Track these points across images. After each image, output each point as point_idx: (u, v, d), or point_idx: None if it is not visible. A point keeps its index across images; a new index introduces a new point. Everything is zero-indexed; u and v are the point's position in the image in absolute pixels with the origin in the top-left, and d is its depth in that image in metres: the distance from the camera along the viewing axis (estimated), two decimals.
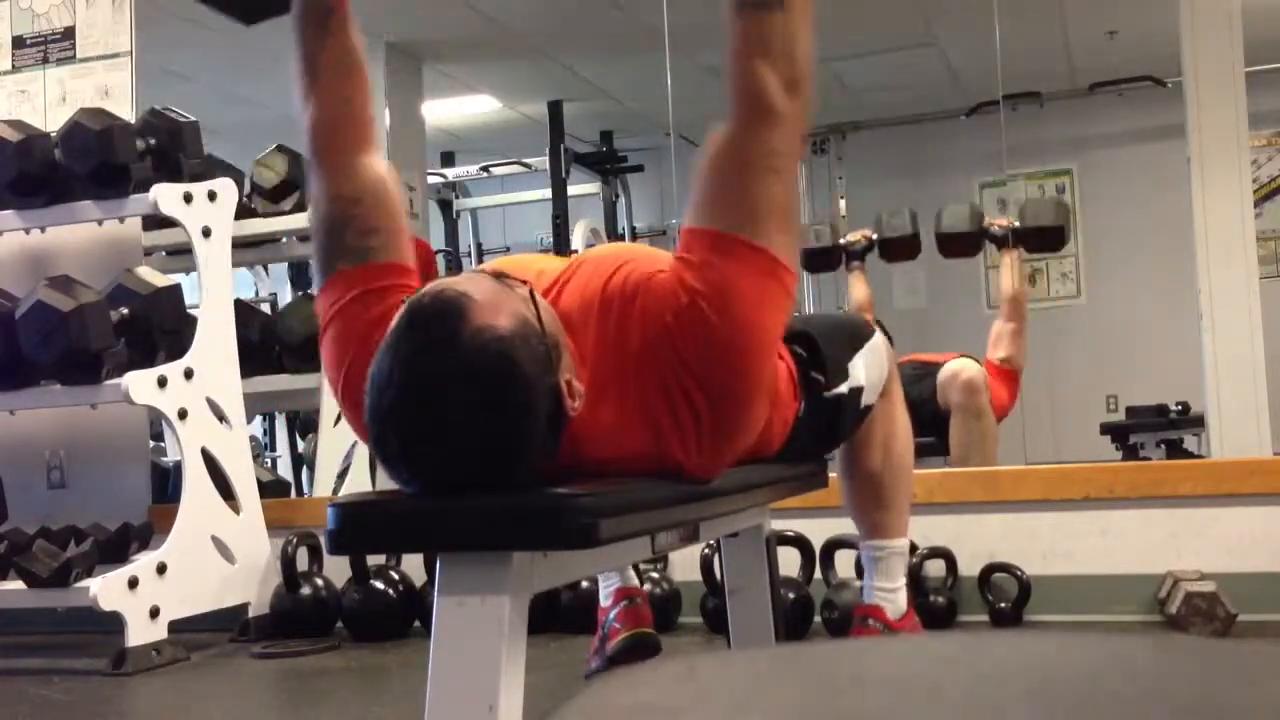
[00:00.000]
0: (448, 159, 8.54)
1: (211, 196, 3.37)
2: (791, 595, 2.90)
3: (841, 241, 4.83)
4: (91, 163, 3.26)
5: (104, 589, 2.95)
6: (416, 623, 3.29)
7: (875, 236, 4.72)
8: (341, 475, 4.10)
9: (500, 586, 1.35)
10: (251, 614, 3.37)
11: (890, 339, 2.20)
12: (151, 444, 4.07)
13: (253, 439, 4.81)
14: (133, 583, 3.00)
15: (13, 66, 3.98)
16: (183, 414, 3.19)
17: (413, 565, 3.32)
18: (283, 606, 3.36)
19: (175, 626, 3.11)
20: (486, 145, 8.44)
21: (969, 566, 3.00)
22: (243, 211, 3.78)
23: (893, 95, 7.93)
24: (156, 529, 3.37)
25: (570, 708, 0.48)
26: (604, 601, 2.51)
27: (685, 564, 3.07)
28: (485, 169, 8.49)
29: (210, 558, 3.25)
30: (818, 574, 2.98)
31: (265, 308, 5.10)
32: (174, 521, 3.18)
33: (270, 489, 3.93)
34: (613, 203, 8.16)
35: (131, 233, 3.61)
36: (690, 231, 1.56)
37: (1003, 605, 2.96)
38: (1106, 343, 7.89)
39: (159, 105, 3.53)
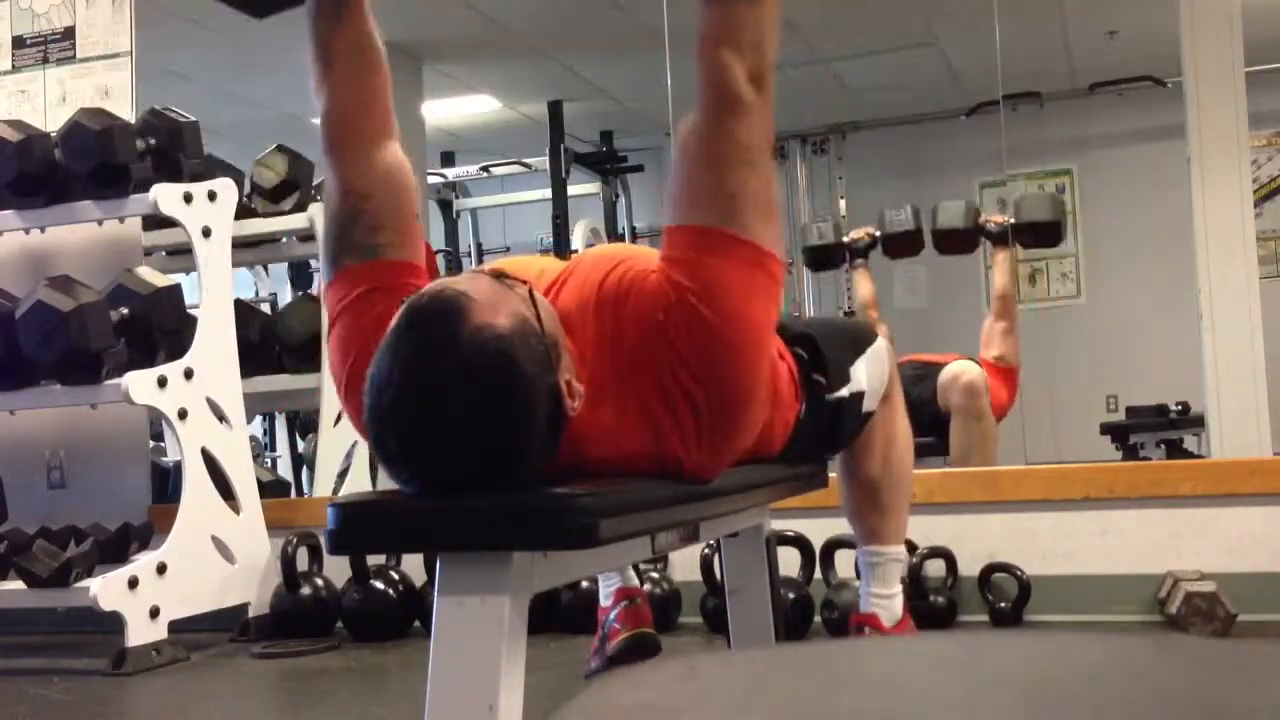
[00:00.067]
0: (448, 159, 8.54)
1: (211, 196, 3.37)
2: (791, 595, 2.90)
3: (845, 239, 4.83)
4: (91, 163, 3.26)
5: (104, 589, 2.95)
6: (416, 623, 3.29)
7: (878, 234, 4.72)
8: (341, 475, 4.10)
9: (500, 586, 1.35)
10: (251, 614, 3.37)
11: (891, 339, 2.20)
12: (151, 444, 4.07)
13: (253, 439, 4.81)
14: (133, 583, 3.00)
15: (13, 66, 3.98)
16: (183, 414, 3.19)
17: (413, 565, 3.32)
18: (283, 606, 3.36)
19: (175, 626, 3.11)
20: (486, 145, 8.44)
21: (969, 566, 3.00)
22: (243, 211, 3.78)
23: (893, 95, 7.93)
24: (156, 529, 3.37)
25: (570, 708, 0.48)
26: (604, 601, 2.51)
27: (685, 564, 3.07)
28: (485, 169, 8.50)
29: (210, 558, 3.25)
30: (818, 574, 2.98)
31: (265, 308, 5.10)
32: (174, 521, 3.18)
33: (270, 489, 3.93)
34: (613, 203, 8.16)
35: (131, 233, 3.61)
36: (672, 230, 1.56)
37: (1003, 605, 2.96)
38: (1106, 343, 7.89)
39: (159, 105, 3.53)
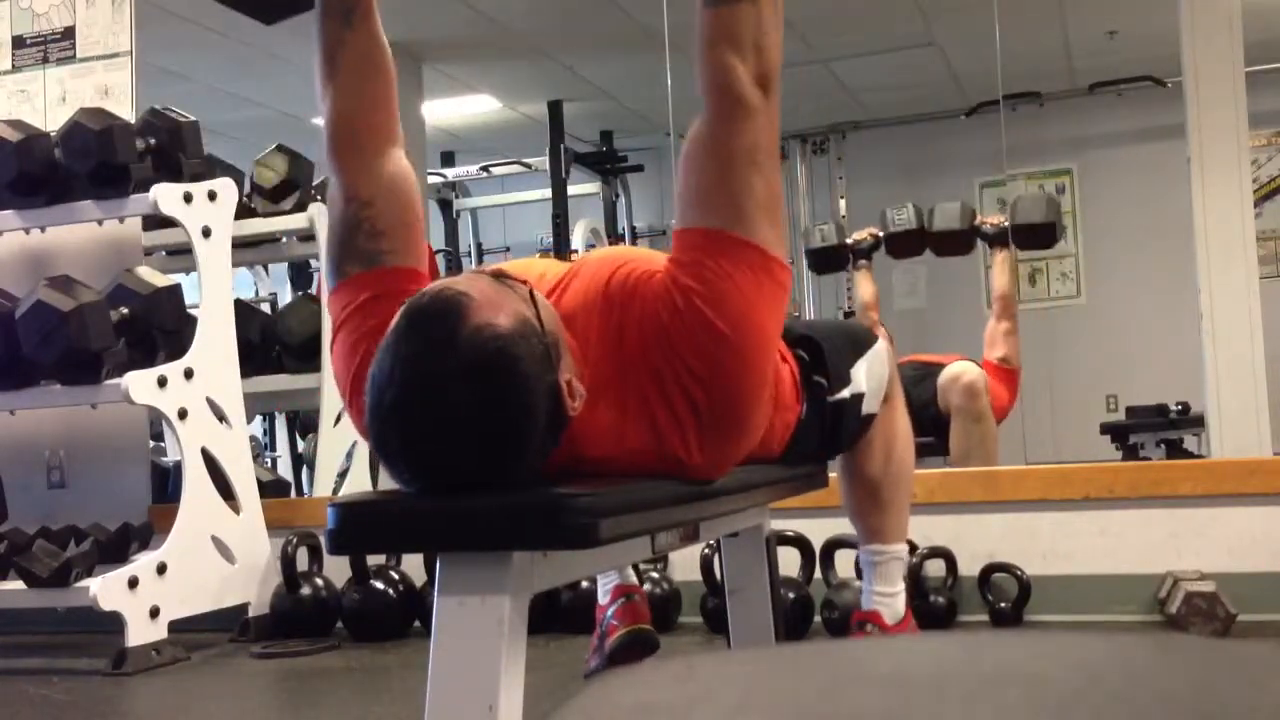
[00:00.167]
0: (448, 159, 8.54)
1: (211, 196, 3.37)
2: (791, 595, 2.90)
3: (848, 241, 4.83)
4: (91, 163, 3.26)
5: (104, 589, 2.95)
6: (416, 623, 3.29)
7: (881, 234, 4.72)
8: (341, 475, 4.11)
9: (500, 586, 1.35)
10: (251, 614, 3.37)
11: (891, 339, 2.20)
12: (151, 444, 4.07)
13: (253, 439, 4.81)
14: (133, 583, 3.00)
15: (13, 66, 3.98)
16: (183, 414, 3.19)
17: (413, 565, 3.32)
18: (283, 606, 3.36)
19: (175, 626, 3.11)
20: (486, 145, 8.44)
21: (969, 566, 3.00)
22: (243, 211, 3.78)
23: (893, 95, 7.93)
24: (156, 529, 3.37)
25: (570, 708, 0.48)
26: (602, 599, 2.51)
27: (685, 564, 3.08)
28: (485, 169, 8.49)
29: (210, 558, 3.25)
30: (818, 574, 2.98)
31: (265, 308, 5.10)
32: (174, 521, 3.18)
33: (270, 489, 3.93)
34: (613, 203, 8.17)
35: (131, 233, 3.61)
36: (680, 233, 1.57)
37: (1003, 605, 2.96)
38: (1106, 343, 7.89)
39: (159, 105, 3.53)
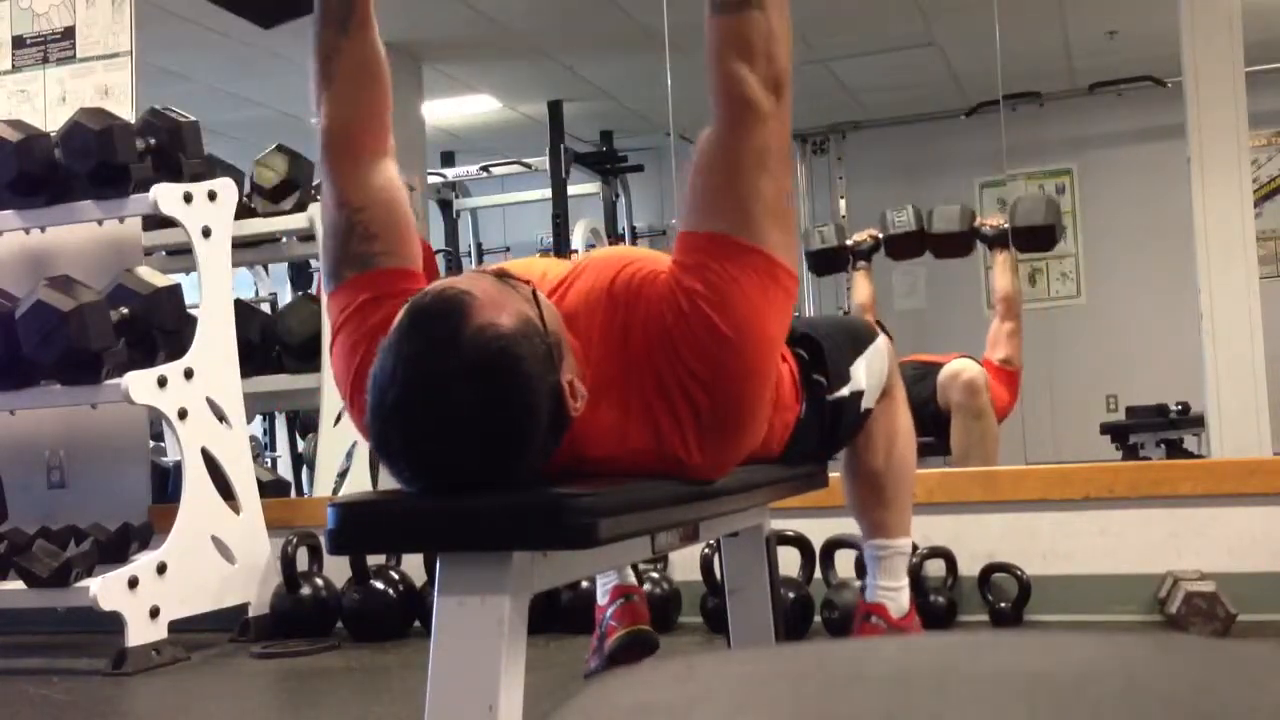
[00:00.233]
0: (448, 159, 8.53)
1: (211, 196, 3.37)
2: (791, 595, 2.90)
3: (848, 242, 4.83)
4: (91, 163, 3.26)
5: (104, 589, 2.95)
6: (416, 623, 3.29)
7: (881, 235, 4.71)
8: (341, 475, 4.10)
9: (500, 586, 1.35)
10: (251, 614, 3.37)
11: (891, 338, 2.20)
12: (151, 444, 4.07)
13: (253, 439, 4.81)
14: (133, 583, 3.00)
15: (13, 66, 3.98)
16: (183, 414, 3.19)
17: (413, 565, 3.32)
18: (283, 606, 3.36)
19: (175, 626, 3.11)
20: (486, 145, 8.44)
21: (969, 566, 3.00)
22: (243, 211, 3.78)
23: (893, 95, 7.93)
24: (156, 529, 3.37)
25: (570, 708, 0.48)
26: (601, 600, 2.51)
27: (685, 564, 3.07)
28: (485, 169, 8.49)
29: (210, 558, 3.25)
30: (818, 574, 2.98)
31: (265, 308, 5.10)
32: (174, 521, 3.18)
33: (270, 489, 3.93)
34: (613, 203, 8.16)
35: (131, 233, 3.61)
36: (685, 235, 1.56)
37: (1003, 605, 2.96)
38: (1106, 343, 7.89)
39: (159, 105, 3.53)
